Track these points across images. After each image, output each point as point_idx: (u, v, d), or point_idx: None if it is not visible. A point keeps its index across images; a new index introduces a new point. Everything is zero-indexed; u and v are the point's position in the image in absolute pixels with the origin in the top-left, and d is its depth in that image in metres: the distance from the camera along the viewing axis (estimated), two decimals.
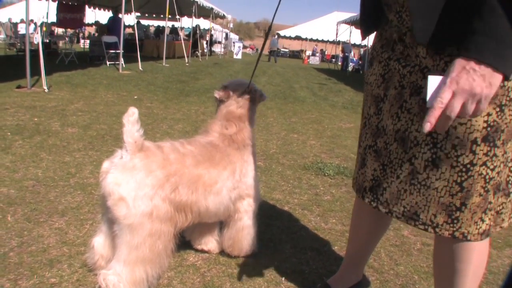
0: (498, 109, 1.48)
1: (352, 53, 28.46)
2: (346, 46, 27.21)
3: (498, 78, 1.21)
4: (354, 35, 25.44)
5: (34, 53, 8.46)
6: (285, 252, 2.77)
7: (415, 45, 1.60)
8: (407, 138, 1.67)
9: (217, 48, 33.75)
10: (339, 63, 29.91)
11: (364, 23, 1.91)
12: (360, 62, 27.21)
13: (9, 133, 4.82)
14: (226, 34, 39.00)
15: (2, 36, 22.38)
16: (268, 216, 3.24)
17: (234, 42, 38.77)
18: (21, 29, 19.96)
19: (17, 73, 8.92)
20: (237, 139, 2.41)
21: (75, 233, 2.72)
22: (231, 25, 38.60)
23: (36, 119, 5.60)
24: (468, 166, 1.55)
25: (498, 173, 1.56)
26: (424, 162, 1.63)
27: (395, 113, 1.71)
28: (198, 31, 24.51)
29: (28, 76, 7.89)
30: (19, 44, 17.90)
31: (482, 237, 1.64)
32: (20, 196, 3.18)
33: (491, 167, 1.54)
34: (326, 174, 4.51)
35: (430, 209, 1.65)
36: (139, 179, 1.97)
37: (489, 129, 1.50)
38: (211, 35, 30.33)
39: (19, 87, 7.87)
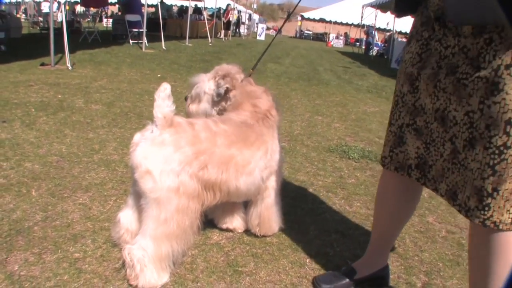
0: None
1: (376, 37, 28.04)
2: (370, 30, 26.81)
3: None
4: (379, 19, 25.02)
5: (58, 31, 8.49)
6: (309, 234, 2.75)
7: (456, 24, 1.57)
8: (446, 117, 1.64)
9: (241, 29, 33.60)
10: (363, 47, 29.54)
11: (400, 2, 1.88)
12: (385, 46, 26.81)
13: (33, 110, 4.85)
14: (250, 15, 38.75)
15: (29, 13, 22.51)
16: (292, 198, 3.21)
17: (257, 23, 38.52)
18: (45, 7, 20.05)
19: (41, 51, 8.97)
20: (270, 116, 2.42)
21: (99, 209, 2.73)
22: (255, 6, 38.37)
23: (60, 96, 5.63)
24: (502, 148, 1.50)
25: None
26: (463, 141, 1.60)
27: (432, 92, 1.69)
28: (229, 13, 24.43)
29: (52, 54, 7.92)
30: (42, 23, 18.00)
31: None
32: (44, 171, 3.20)
33: None
34: (351, 157, 4.46)
35: (466, 190, 1.62)
36: (166, 154, 1.98)
37: None
38: (239, 16, 30.18)
39: (43, 64, 7.92)
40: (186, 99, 2.61)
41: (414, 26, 1.87)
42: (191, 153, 2.03)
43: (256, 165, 2.27)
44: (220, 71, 2.55)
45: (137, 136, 2.08)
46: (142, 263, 2.01)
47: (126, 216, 2.24)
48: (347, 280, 2.22)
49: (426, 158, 1.79)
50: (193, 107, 2.54)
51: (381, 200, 2.18)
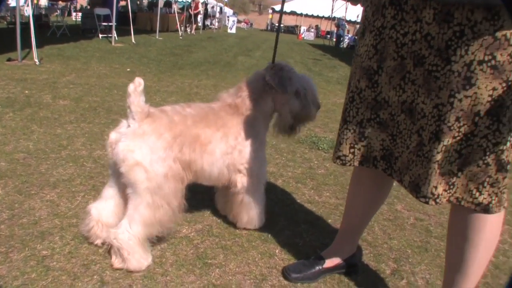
0: (504, 85, 1.46)
1: (346, 29, 28.22)
2: (340, 22, 26.98)
3: None
4: (349, 12, 25.20)
5: (25, 25, 8.31)
6: (279, 225, 2.77)
7: (420, 7, 1.55)
8: (414, 110, 1.65)
9: (212, 22, 33.39)
10: (334, 39, 29.71)
11: None
12: (355, 38, 27.01)
13: None
14: (221, 8, 38.55)
15: None
16: None
17: (228, 17, 38.35)
18: (12, 1, 19.60)
19: (8, 46, 8.75)
20: (235, 106, 2.43)
21: (66, 205, 2.69)
22: None
23: (27, 92, 5.52)
24: (469, 135, 1.54)
25: (502, 150, 1.54)
26: (429, 134, 1.61)
27: (397, 85, 1.68)
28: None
29: (18, 49, 7.74)
30: (9, 17, 17.58)
31: (477, 209, 1.63)
32: (11, 168, 3.13)
33: (493, 141, 1.53)
34: (320, 148, 4.49)
35: (431, 182, 1.64)
36: (151, 143, 2.08)
37: (493, 103, 1.48)
38: (206, 9, 29.96)
39: (9, 60, 7.73)
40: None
41: (365, 17, 1.84)
42: (170, 138, 2.13)
43: (216, 145, 2.32)
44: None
45: (113, 134, 2.13)
46: (130, 247, 2.08)
47: (98, 209, 2.25)
48: (317, 268, 2.24)
49: (392, 150, 1.80)
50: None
51: (354, 190, 2.20)
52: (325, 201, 3.22)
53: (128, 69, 8.25)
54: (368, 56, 1.78)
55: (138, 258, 2.12)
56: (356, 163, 1.96)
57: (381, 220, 3.00)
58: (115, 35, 13.12)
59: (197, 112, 2.32)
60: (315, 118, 2.65)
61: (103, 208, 2.26)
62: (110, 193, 2.26)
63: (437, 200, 1.66)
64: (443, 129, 1.57)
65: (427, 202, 1.68)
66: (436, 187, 1.64)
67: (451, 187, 1.64)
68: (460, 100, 1.51)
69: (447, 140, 1.58)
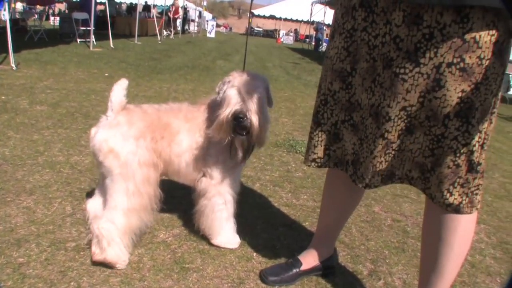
0: (473, 86, 1.49)
1: (325, 32, 28.38)
2: (319, 26, 27.11)
3: None
4: (328, 16, 25.34)
5: (1, 30, 8.19)
6: (257, 228, 2.78)
7: (390, 10, 1.56)
8: (379, 113, 1.65)
9: (191, 27, 33.30)
10: (313, 43, 29.84)
11: None
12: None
13: None
14: (200, 12, 38.48)
15: None
16: (240, 193, 3.20)
17: (207, 21, 38.29)
18: None
19: None
20: (209, 106, 2.45)
21: (43, 212, 2.66)
22: (205, 3, 38.14)
23: (3, 97, 5.44)
24: (440, 137, 1.57)
25: (472, 151, 1.57)
26: (398, 132, 1.63)
27: (368, 87, 1.69)
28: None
29: None
30: None
31: (448, 209, 1.66)
32: None
33: (463, 142, 1.55)
34: (298, 151, 4.52)
35: (405, 166, 1.70)
36: (124, 131, 2.21)
37: (462, 105, 1.51)
38: (185, 13, 29.87)
39: None
40: (240, 115, 2.13)
41: (335, 19, 1.84)
42: (142, 126, 2.26)
43: (184, 137, 2.37)
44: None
45: (93, 129, 2.26)
46: (110, 236, 2.16)
47: (93, 205, 2.38)
48: (294, 271, 2.25)
49: (359, 155, 1.81)
50: (260, 121, 2.18)
51: (328, 192, 2.22)
52: (302, 204, 3.25)
53: (106, 74, 8.17)
54: (339, 59, 1.78)
55: (117, 251, 2.18)
56: (332, 165, 1.97)
57: (359, 221, 3.03)
58: (94, 39, 13.01)
59: (171, 106, 2.45)
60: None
61: (98, 203, 2.36)
62: (102, 188, 2.33)
63: (412, 182, 1.72)
64: (414, 124, 1.61)
65: (402, 182, 1.76)
66: (410, 171, 1.70)
67: (426, 180, 1.68)
68: (430, 100, 1.54)
69: (419, 134, 1.61)
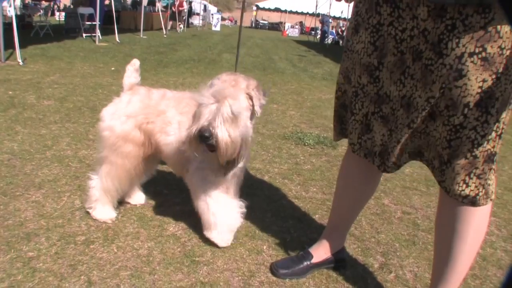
0: (494, 76, 1.48)
1: (331, 25, 28.28)
2: (324, 18, 27.00)
3: None
4: (333, 8, 25.25)
5: (8, 26, 8.19)
6: (266, 221, 2.76)
7: (414, 5, 1.56)
8: (411, 104, 1.66)
9: (195, 20, 33.23)
10: (318, 36, 29.74)
11: None
12: (340, 33, 27.12)
13: None
14: (205, 6, 38.39)
15: None
16: (249, 186, 3.21)
17: (212, 14, 38.21)
18: None
19: None
20: None
21: (52, 206, 2.66)
22: None
23: (10, 93, 5.44)
24: (458, 127, 1.57)
25: (488, 141, 1.57)
26: (421, 119, 1.65)
27: (398, 80, 1.69)
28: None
29: (1, 49, 7.62)
30: None
31: (465, 201, 1.65)
32: None
33: (482, 133, 1.55)
34: (306, 144, 4.50)
35: (431, 151, 1.70)
36: (119, 106, 2.45)
37: (482, 95, 1.50)
38: (190, 6, 29.82)
39: None
40: (206, 134, 1.96)
41: (357, 13, 1.83)
42: (138, 107, 2.44)
43: (174, 129, 2.39)
44: (245, 81, 2.13)
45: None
46: (95, 194, 2.52)
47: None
48: (305, 264, 2.24)
49: (388, 145, 1.81)
50: (231, 136, 2.00)
51: (343, 183, 2.20)
52: (312, 196, 3.23)
53: (112, 68, 8.19)
54: (366, 53, 1.78)
55: (101, 209, 2.55)
56: (362, 154, 1.97)
57: (368, 214, 3.01)
58: (99, 34, 13.02)
59: (177, 94, 2.53)
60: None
61: None
62: None
63: (433, 171, 1.73)
64: (435, 112, 1.61)
65: (428, 166, 1.76)
66: (434, 158, 1.70)
67: (442, 173, 1.67)
68: (450, 89, 1.53)
69: (439, 123, 1.61)
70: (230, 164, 2.12)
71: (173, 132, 2.38)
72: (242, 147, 2.06)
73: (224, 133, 1.96)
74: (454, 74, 1.51)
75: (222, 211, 2.37)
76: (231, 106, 1.98)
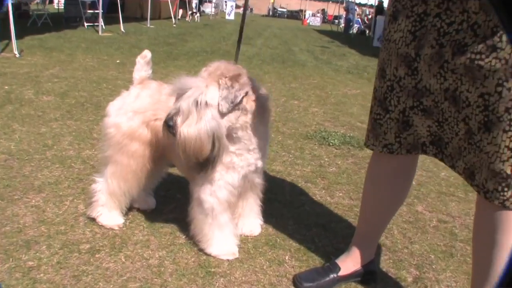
0: None
1: (357, 12, 28.17)
2: (349, 5, 26.89)
3: None
4: None
5: (3, 15, 8.29)
6: (288, 229, 2.76)
7: None
8: (458, 98, 1.65)
9: (207, 8, 33.32)
10: (342, 25, 29.64)
11: None
12: (366, 22, 26.99)
13: None
14: None
15: None
16: (268, 190, 3.16)
17: (226, 1, 38.28)
18: None
19: None
20: None
21: (53, 211, 2.68)
22: None
23: (6, 87, 5.51)
24: None
25: None
26: (477, 123, 1.62)
27: (437, 73, 1.69)
28: None
29: None
30: None
31: (506, 204, 1.63)
32: None
33: None
34: (331, 144, 4.49)
35: (482, 172, 1.65)
36: (126, 101, 2.47)
37: None
38: None
39: None
40: (170, 123, 2.01)
41: (397, 0, 1.84)
42: (146, 103, 2.45)
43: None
44: (224, 70, 2.09)
45: None
46: (100, 198, 2.53)
47: None
48: (331, 276, 2.23)
49: (441, 135, 1.81)
50: (190, 130, 1.99)
51: (371, 187, 2.19)
52: (337, 202, 3.22)
53: (117, 61, 8.26)
54: (405, 42, 1.78)
55: (108, 215, 2.56)
56: (404, 152, 1.96)
57: (401, 222, 2.99)
58: (102, 23, 13.11)
59: None
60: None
61: None
62: None
63: (487, 195, 1.66)
64: (492, 120, 1.57)
65: (479, 192, 1.69)
66: (486, 180, 1.65)
67: (505, 189, 1.61)
68: (509, 89, 1.51)
69: (497, 132, 1.57)
70: (206, 162, 2.10)
71: None
72: (215, 144, 2.04)
73: (183, 128, 1.97)
74: (511, 70, 1.49)
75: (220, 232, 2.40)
76: (191, 97, 1.97)
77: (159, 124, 2.34)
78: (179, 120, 1.97)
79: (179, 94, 2.01)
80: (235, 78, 2.06)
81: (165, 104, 2.39)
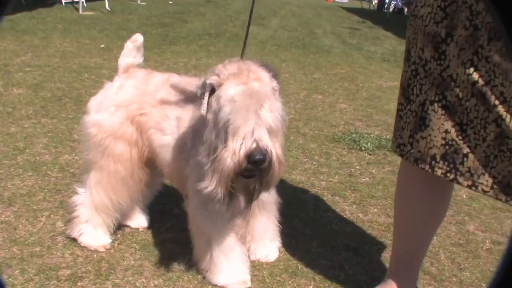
0: None
1: None
2: None
3: None
4: None
5: None
6: (312, 252, 2.76)
7: None
8: (488, 94, 1.64)
9: None
10: (375, 2, 29.60)
11: None
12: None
13: None
14: None
15: None
16: (287, 204, 3.18)
17: None
18: None
19: None
20: None
21: (27, 229, 2.70)
22: None
23: None
24: None
25: None
26: None
27: (468, 60, 1.69)
28: None
29: None
30: None
31: None
32: None
33: None
34: (363, 149, 4.49)
35: None
36: (108, 94, 2.52)
37: None
38: None
39: None
40: (260, 159, 1.81)
41: None
42: (131, 95, 2.49)
43: (170, 126, 2.39)
44: (265, 71, 2.06)
45: None
46: (82, 213, 2.55)
47: None
48: None
49: (459, 145, 1.79)
50: (279, 151, 1.92)
51: (403, 201, 2.19)
52: (372, 219, 3.22)
53: (102, 45, 8.31)
54: (434, 20, 1.78)
55: (92, 233, 2.57)
56: (412, 159, 1.96)
57: (448, 245, 2.98)
58: (83, 0, 13.17)
59: (187, 80, 2.53)
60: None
61: None
62: None
63: None
64: None
65: None
66: None
67: None
68: None
69: None
70: (258, 192, 2.03)
71: (170, 130, 2.39)
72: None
73: (278, 151, 1.87)
74: None
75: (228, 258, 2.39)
76: (272, 111, 1.87)
77: (144, 119, 2.42)
78: (272, 151, 1.84)
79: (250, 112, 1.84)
80: (275, 76, 2.06)
81: (151, 96, 2.44)
